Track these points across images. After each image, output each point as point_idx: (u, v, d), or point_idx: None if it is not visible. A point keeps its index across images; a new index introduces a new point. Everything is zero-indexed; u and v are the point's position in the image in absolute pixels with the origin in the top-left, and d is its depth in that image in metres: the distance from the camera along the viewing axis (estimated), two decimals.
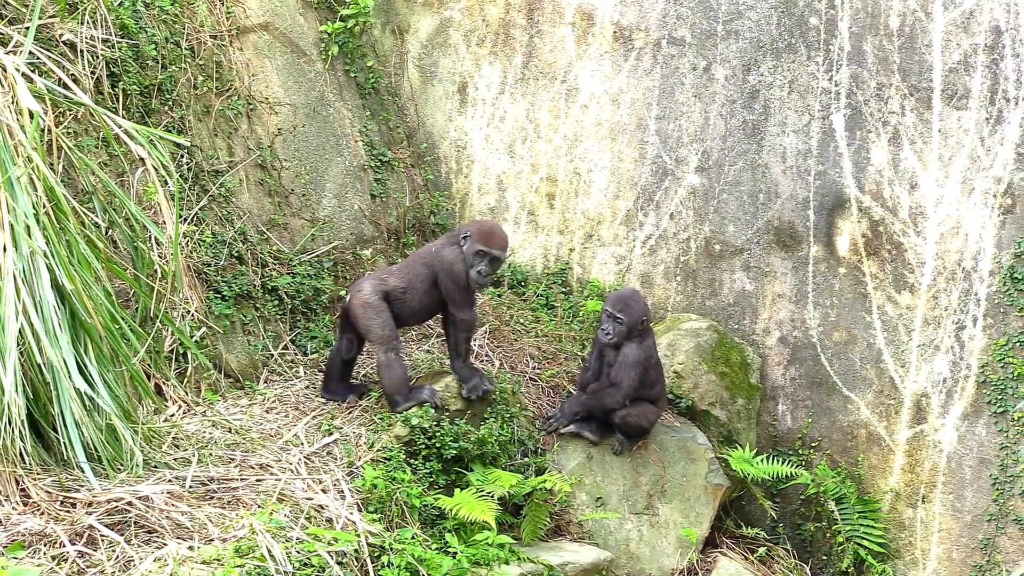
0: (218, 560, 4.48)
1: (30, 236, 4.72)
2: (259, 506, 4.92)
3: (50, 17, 5.79)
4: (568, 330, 7.08)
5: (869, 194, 6.73)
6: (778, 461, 6.70)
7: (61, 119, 5.54)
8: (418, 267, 5.93)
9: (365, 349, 6.20)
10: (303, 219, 6.88)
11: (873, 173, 6.71)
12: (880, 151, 6.69)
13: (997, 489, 6.44)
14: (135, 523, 4.58)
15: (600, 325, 6.24)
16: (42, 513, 4.50)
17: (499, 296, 7.29)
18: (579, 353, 6.88)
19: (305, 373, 6.34)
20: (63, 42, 5.78)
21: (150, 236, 5.67)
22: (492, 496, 5.60)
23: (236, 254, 6.31)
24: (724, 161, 7.05)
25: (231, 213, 6.42)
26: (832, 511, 6.67)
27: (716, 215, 7.09)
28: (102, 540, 4.47)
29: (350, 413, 5.94)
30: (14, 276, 4.65)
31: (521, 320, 7.10)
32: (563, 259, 7.52)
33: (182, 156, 6.23)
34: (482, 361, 6.63)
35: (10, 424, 4.53)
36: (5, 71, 5.08)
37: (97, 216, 5.42)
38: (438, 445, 5.66)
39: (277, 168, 6.80)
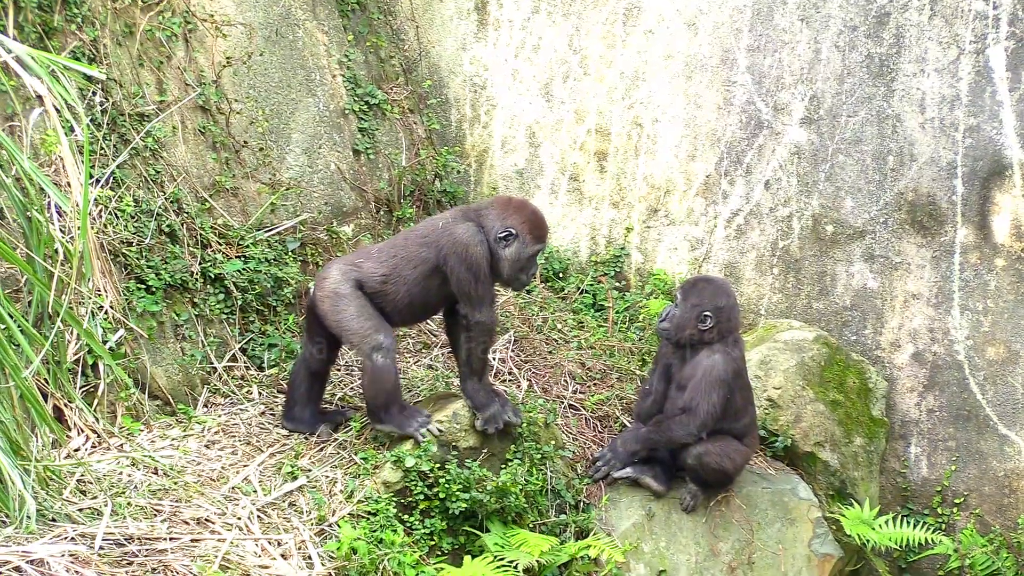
0: None
1: None
2: None
3: None
4: (623, 340, 7.07)
5: None
6: (909, 523, 6.72)
7: None
8: (414, 248, 5.90)
9: (344, 357, 6.16)
10: (260, 182, 6.86)
11: None
12: None
13: None
14: None
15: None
16: None
17: (528, 291, 7.27)
18: (638, 372, 6.87)
19: (260, 394, 6.34)
20: None
21: (49, 203, 5.63)
22: (516, 567, 5.60)
23: (167, 229, 6.29)
24: (840, 110, 7.05)
25: (161, 173, 6.39)
26: None
27: (829, 184, 7.09)
28: None
29: (321, 450, 5.93)
30: None
31: (558, 326, 7.10)
32: (617, 242, 7.53)
33: (95, 93, 6.20)
34: (504, 381, 6.61)
35: None
36: None
37: None
38: (442, 496, 5.66)
39: (225, 112, 6.79)
